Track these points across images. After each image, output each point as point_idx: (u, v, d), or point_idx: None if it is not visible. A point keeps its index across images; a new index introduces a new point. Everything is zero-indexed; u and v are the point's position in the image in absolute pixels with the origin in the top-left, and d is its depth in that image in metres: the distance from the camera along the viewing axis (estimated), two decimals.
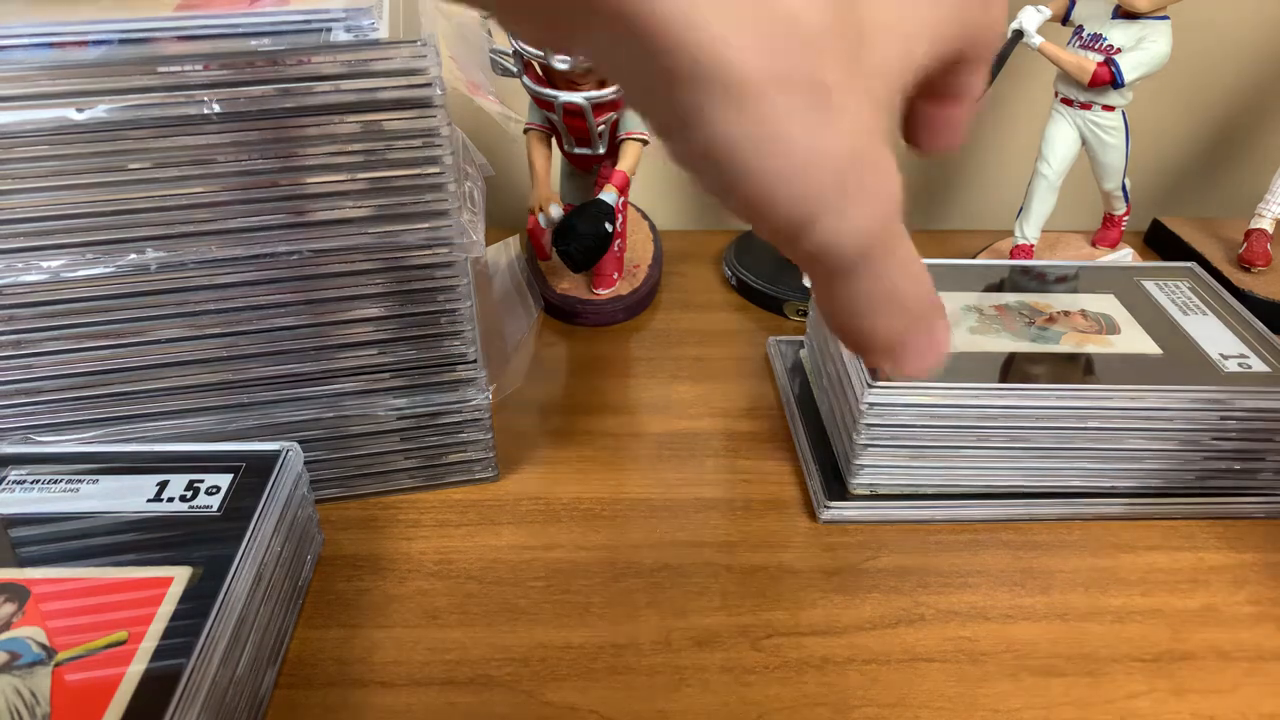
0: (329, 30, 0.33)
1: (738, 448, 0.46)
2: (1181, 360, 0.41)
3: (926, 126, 0.23)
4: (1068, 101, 0.56)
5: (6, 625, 0.29)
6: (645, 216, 0.67)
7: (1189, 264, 0.49)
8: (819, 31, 0.16)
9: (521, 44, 0.49)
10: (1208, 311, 0.45)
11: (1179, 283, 0.47)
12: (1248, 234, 0.60)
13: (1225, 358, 0.41)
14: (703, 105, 0.16)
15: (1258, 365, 0.40)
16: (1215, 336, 0.42)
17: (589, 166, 0.57)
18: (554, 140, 0.56)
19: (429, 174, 0.35)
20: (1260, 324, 0.43)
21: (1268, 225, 0.60)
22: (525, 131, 0.55)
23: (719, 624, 0.35)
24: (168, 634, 0.28)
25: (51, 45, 0.31)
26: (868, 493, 0.40)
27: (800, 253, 0.18)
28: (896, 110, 0.20)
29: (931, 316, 0.22)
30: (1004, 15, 0.25)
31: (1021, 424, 0.39)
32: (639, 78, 0.17)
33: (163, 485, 0.34)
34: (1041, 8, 0.54)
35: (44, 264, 0.33)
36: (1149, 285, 0.47)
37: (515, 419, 0.47)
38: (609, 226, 0.52)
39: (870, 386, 0.37)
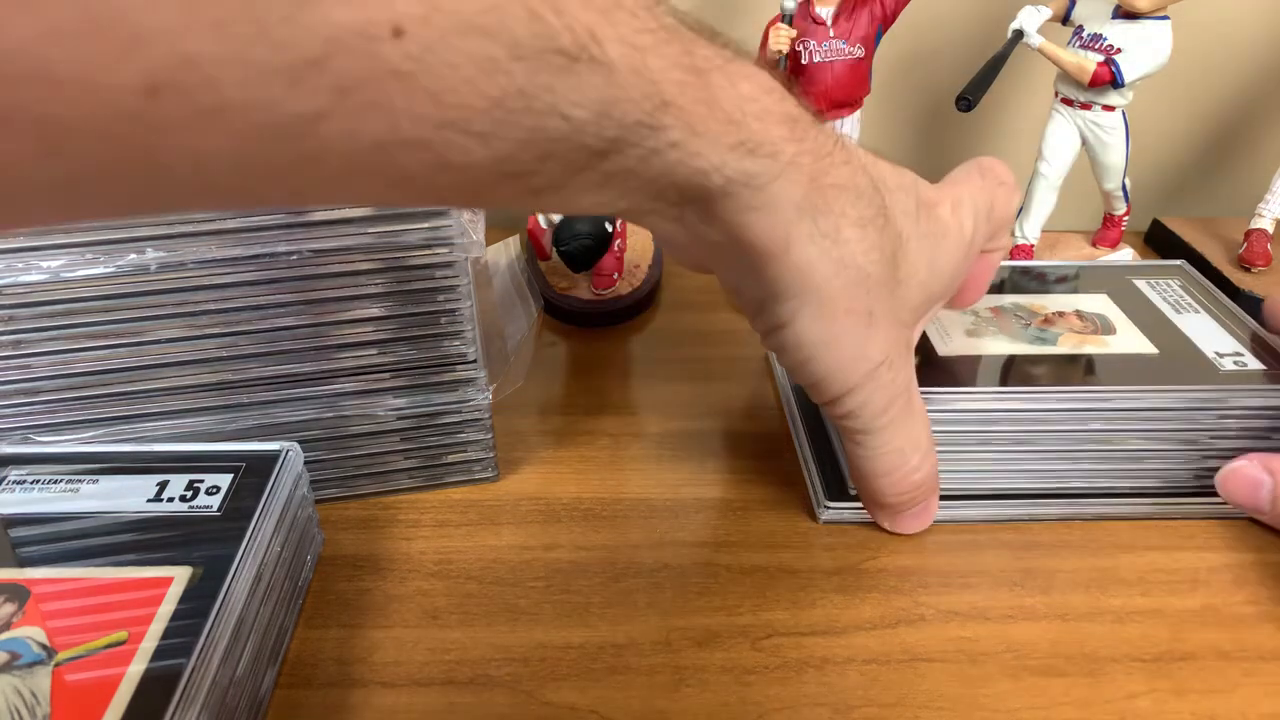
0: None
1: (738, 448, 0.46)
2: (1178, 359, 0.41)
3: (964, 283, 0.34)
4: (1068, 101, 0.56)
5: (6, 625, 0.29)
6: None
7: (1178, 261, 0.49)
8: (876, 281, 0.24)
9: None
10: (1200, 309, 0.45)
11: (1170, 281, 0.47)
12: (1248, 234, 0.60)
13: (1221, 356, 0.41)
14: (798, 312, 0.24)
15: (1253, 364, 0.40)
16: (1210, 335, 0.42)
17: None
18: None
19: None
20: (1253, 321, 0.43)
21: (1268, 225, 0.60)
22: None
23: (719, 624, 0.35)
24: (168, 634, 0.29)
25: None
26: None
27: (838, 412, 0.28)
28: (920, 324, 0.32)
29: (927, 493, 0.35)
30: (1010, 199, 0.33)
31: (1023, 427, 0.39)
32: (758, 290, 0.24)
33: (163, 485, 0.34)
34: (1041, 8, 0.54)
35: (44, 264, 0.33)
36: (1140, 284, 0.47)
37: (515, 419, 0.47)
38: (609, 226, 0.52)
39: None
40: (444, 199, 0.21)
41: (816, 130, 0.24)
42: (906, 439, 0.30)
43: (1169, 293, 0.46)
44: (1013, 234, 0.61)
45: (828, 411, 0.28)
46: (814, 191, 0.23)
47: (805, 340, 0.25)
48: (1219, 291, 0.46)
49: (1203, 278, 0.47)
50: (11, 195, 0.15)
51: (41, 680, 0.27)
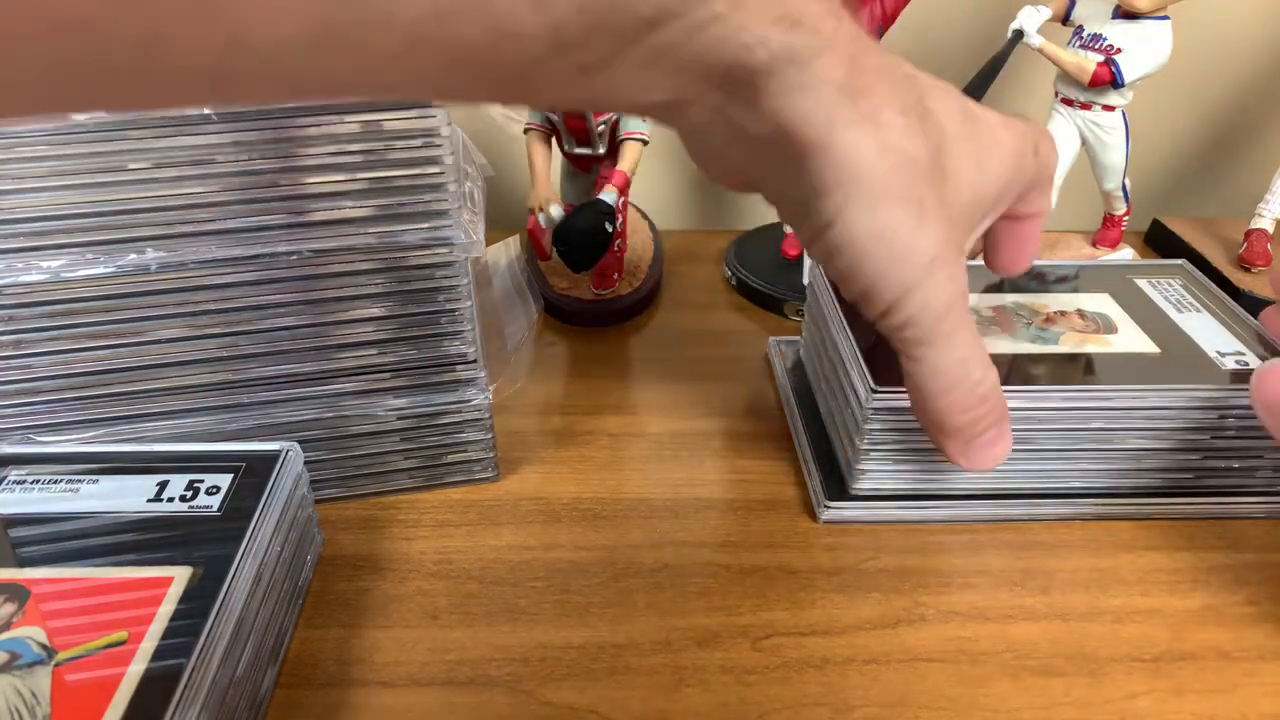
0: None
1: (738, 448, 0.46)
2: (1180, 359, 0.40)
3: (1006, 242, 0.32)
4: (1068, 102, 0.56)
5: (6, 625, 0.29)
6: (645, 216, 0.67)
7: (1179, 261, 0.49)
8: (922, 169, 0.23)
9: None
10: (1201, 309, 0.45)
11: (1171, 280, 0.47)
12: (1248, 234, 0.60)
13: (1223, 355, 0.41)
14: (845, 205, 0.23)
15: (1255, 363, 0.40)
16: (1211, 334, 0.42)
17: (589, 166, 0.57)
18: (554, 140, 0.56)
19: (429, 174, 0.35)
20: (1254, 321, 0.43)
21: (1268, 225, 0.60)
22: (525, 131, 0.55)
23: (719, 624, 0.35)
24: (168, 634, 0.28)
25: None
26: (868, 493, 0.40)
27: (896, 321, 0.25)
28: (969, 232, 0.28)
29: (998, 415, 0.30)
30: (1053, 150, 0.31)
31: (1024, 426, 0.39)
32: (801, 188, 0.23)
33: (163, 485, 0.34)
34: (1041, 8, 0.54)
35: (44, 264, 0.33)
36: (1141, 283, 0.47)
37: (515, 419, 0.47)
38: (609, 227, 0.52)
39: (874, 392, 0.37)
40: (499, 83, 0.21)
41: (849, 15, 0.24)
42: (968, 348, 0.27)
43: (1171, 292, 0.46)
44: None
45: (885, 324, 0.26)
46: (854, 73, 0.22)
47: (855, 234, 0.23)
48: (1221, 291, 0.46)
49: (1204, 277, 0.47)
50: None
51: (41, 680, 0.27)
